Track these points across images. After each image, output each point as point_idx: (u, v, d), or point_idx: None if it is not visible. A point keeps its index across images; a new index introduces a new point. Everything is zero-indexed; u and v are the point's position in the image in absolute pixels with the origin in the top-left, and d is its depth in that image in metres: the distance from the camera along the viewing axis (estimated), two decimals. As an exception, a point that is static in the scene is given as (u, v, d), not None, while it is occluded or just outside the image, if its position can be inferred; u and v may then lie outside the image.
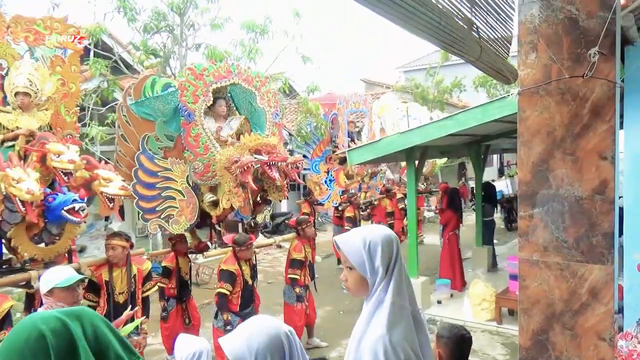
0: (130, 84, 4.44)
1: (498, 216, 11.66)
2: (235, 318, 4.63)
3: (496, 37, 2.68)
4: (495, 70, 2.88)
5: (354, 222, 8.24)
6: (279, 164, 4.37)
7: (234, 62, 4.81)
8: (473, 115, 5.20)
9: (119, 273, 4.06)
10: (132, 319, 3.11)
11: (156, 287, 4.39)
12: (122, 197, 4.27)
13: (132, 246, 4.18)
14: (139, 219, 4.49)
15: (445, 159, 12.39)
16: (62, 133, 4.36)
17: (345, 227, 8.19)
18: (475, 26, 2.33)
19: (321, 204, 8.84)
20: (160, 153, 4.50)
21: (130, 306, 3.81)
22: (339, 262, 9.20)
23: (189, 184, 4.52)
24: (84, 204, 3.92)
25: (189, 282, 5.16)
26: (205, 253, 4.92)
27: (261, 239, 6.40)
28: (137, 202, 4.32)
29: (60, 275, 2.58)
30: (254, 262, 4.94)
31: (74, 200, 3.83)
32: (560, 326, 2.05)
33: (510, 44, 3.02)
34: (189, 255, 5.44)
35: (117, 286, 4.05)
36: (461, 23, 2.18)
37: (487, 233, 8.68)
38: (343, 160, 7.91)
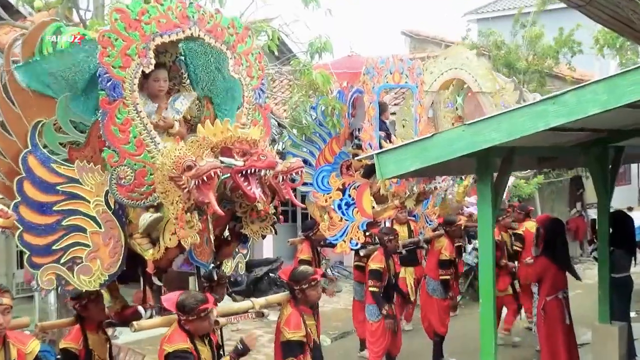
0: (16, 36, 4.55)
1: (639, 271, 11.64)
2: None
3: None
4: (621, 21, 2.92)
5: (386, 280, 8.23)
6: (263, 172, 4.43)
7: (193, 2, 4.92)
8: (592, 95, 5.24)
9: None
10: None
11: None
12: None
13: None
14: (18, 266, 4.58)
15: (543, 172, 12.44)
16: None
17: (369, 288, 8.21)
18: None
19: (331, 245, 8.85)
20: (62, 153, 4.56)
21: None
22: (362, 346, 9.21)
23: (109, 207, 4.59)
24: None
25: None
26: (135, 324, 4.87)
27: (228, 304, 6.43)
28: (20, 235, 4.38)
29: None
30: (219, 340, 4.99)
31: None
32: None
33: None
34: (107, 330, 5.47)
35: None
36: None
37: (618, 299, 8.66)
38: (370, 171, 7.97)
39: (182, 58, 5.34)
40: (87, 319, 5.15)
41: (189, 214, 4.45)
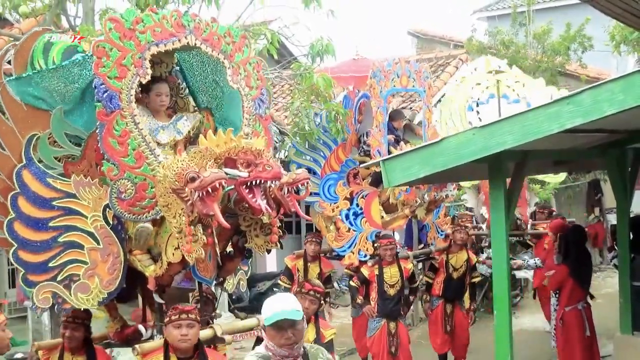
0: (7, 47, 4.61)
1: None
2: None
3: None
4: (634, 15, 2.96)
5: (375, 287, 8.29)
6: (269, 184, 4.46)
7: (188, 10, 5.00)
8: (609, 94, 5.26)
9: None
10: None
11: None
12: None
13: None
14: (10, 286, 4.63)
15: (562, 175, 12.44)
16: None
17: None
18: None
19: (338, 257, 8.87)
20: (57, 167, 4.63)
21: None
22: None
23: (107, 222, 4.65)
24: None
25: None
26: (138, 347, 4.77)
27: (233, 321, 6.44)
28: (15, 252, 4.45)
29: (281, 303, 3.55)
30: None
31: None
32: None
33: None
34: (105, 350, 5.50)
35: None
36: None
37: (641, 309, 8.66)
38: (378, 179, 8.00)
39: (178, 69, 5.40)
40: (71, 340, 5.14)
41: (192, 227, 4.47)
